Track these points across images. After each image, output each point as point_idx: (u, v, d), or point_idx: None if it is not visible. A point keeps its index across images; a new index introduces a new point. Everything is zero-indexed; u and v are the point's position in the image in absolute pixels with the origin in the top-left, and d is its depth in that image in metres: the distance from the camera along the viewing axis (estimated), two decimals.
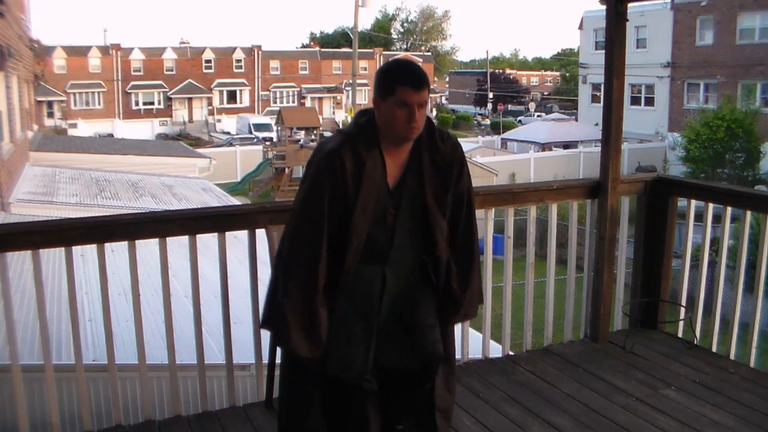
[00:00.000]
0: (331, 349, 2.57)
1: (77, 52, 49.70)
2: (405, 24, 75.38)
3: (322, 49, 60.71)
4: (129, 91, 51.37)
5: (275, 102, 54.22)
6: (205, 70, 53.81)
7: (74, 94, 49.65)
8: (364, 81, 54.56)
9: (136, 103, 51.89)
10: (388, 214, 2.57)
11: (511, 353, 4.26)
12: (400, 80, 2.46)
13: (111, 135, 42.14)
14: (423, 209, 2.60)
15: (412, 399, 2.78)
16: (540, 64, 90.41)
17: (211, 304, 3.80)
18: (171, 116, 52.33)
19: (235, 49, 55.08)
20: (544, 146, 31.70)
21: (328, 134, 50.90)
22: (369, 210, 2.52)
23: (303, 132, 29.49)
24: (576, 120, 37.39)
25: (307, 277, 2.51)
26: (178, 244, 3.62)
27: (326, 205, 2.49)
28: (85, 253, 3.79)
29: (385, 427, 2.78)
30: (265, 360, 3.52)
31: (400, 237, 2.61)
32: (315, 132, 30.06)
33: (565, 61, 74.64)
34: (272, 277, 2.66)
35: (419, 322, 2.69)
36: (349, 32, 47.99)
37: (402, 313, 2.66)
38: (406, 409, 2.80)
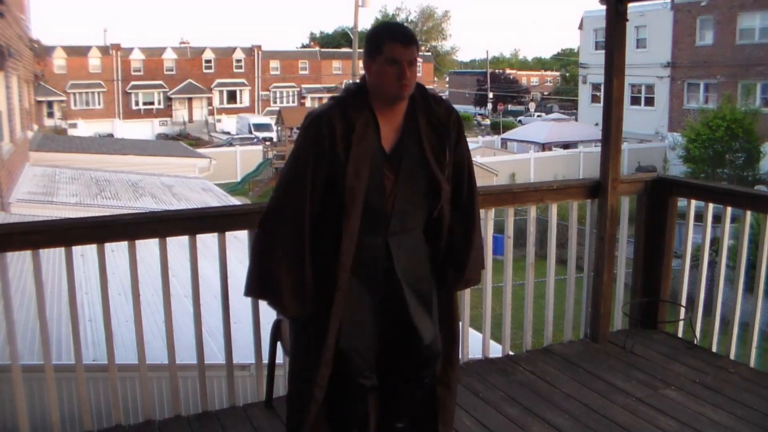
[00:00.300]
0: (343, 322, 2.54)
1: (77, 52, 49.70)
2: (405, 24, 75.43)
3: (322, 49, 60.71)
4: (129, 91, 51.37)
5: (275, 102, 54.21)
6: (205, 70, 53.81)
7: (74, 94, 49.65)
8: None
9: (136, 103, 51.90)
10: (386, 178, 2.53)
11: (511, 353, 4.26)
12: (388, 37, 2.46)
13: (111, 135, 42.13)
14: (425, 171, 2.56)
15: (411, 396, 2.77)
16: (540, 64, 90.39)
17: (211, 304, 3.80)
18: (171, 116, 52.33)
19: (235, 49, 55.08)
20: (544, 146, 31.70)
21: None
22: (363, 174, 2.48)
23: None
24: (576, 120, 37.39)
25: (294, 240, 2.49)
26: (178, 244, 3.62)
27: (312, 168, 2.47)
28: (85, 253, 3.79)
29: (384, 425, 2.78)
30: (265, 360, 3.52)
31: (402, 204, 2.56)
32: None
33: (565, 61, 74.64)
34: (256, 240, 2.65)
35: (425, 297, 2.66)
36: (349, 32, 47.98)
37: (409, 284, 2.61)
38: (406, 406, 2.79)
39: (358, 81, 2.61)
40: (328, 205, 2.51)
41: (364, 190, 2.48)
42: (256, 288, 2.60)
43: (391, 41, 2.44)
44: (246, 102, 55.03)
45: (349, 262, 2.51)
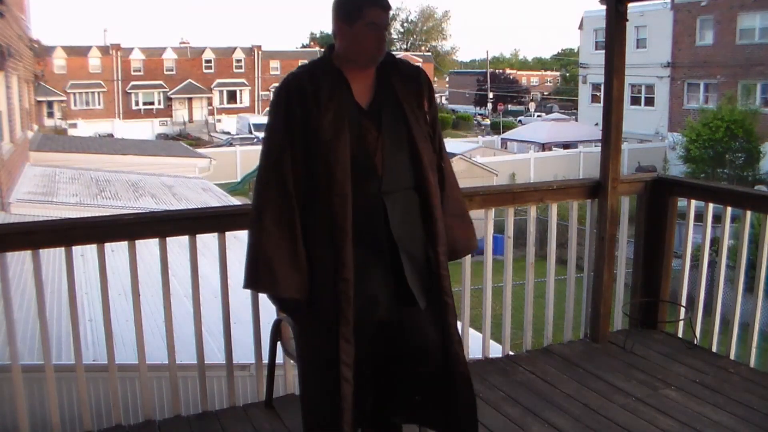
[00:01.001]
0: (356, 292, 2.46)
1: (77, 52, 49.71)
2: (405, 24, 75.39)
3: (322, 49, 60.48)
4: (129, 91, 51.37)
5: None
6: (205, 70, 53.81)
7: (74, 94, 49.65)
8: None
9: (136, 103, 51.90)
10: (368, 132, 2.49)
11: (511, 353, 4.26)
12: (368, 2, 2.46)
13: (111, 135, 42.13)
14: (406, 127, 2.54)
15: (407, 390, 2.68)
16: (540, 64, 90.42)
17: (211, 304, 3.80)
18: (171, 116, 52.33)
19: (235, 49, 55.09)
20: (544, 146, 31.70)
21: None
22: (341, 128, 2.44)
23: None
24: (576, 120, 37.39)
25: (280, 210, 2.45)
26: (178, 244, 3.62)
27: (286, 130, 2.47)
28: (85, 253, 3.79)
29: (380, 419, 2.73)
30: (265, 360, 3.52)
31: (389, 160, 2.51)
32: None
33: (565, 61, 74.65)
34: (249, 223, 2.58)
35: (419, 263, 2.57)
36: None
37: (404, 247, 2.53)
38: (402, 400, 2.70)
39: (324, 51, 2.61)
40: (313, 171, 2.46)
41: (346, 145, 2.44)
42: (250, 273, 2.51)
43: (372, 5, 2.45)
44: (246, 102, 55.03)
45: (347, 224, 2.43)
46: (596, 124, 27.64)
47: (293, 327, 2.79)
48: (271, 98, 2.57)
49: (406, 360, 2.63)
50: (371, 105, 2.53)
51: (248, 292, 3.58)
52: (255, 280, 2.53)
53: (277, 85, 2.57)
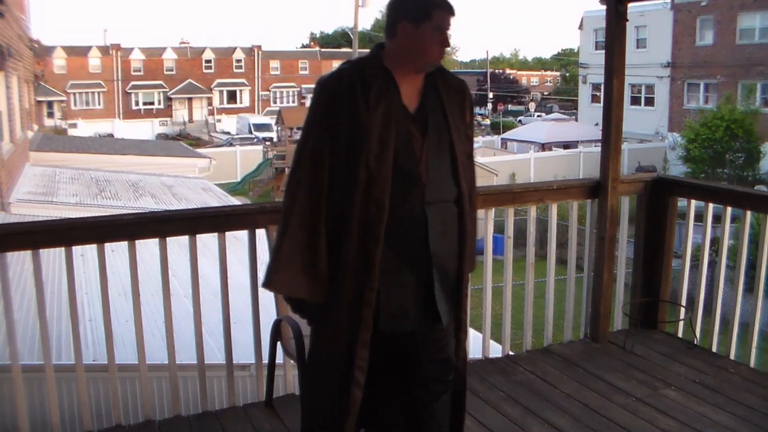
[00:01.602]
0: (381, 301, 2.39)
1: (77, 52, 49.71)
2: None
3: (322, 49, 60.70)
4: (129, 91, 51.38)
5: (275, 102, 54.22)
6: (205, 70, 53.82)
7: (74, 94, 49.65)
8: None
9: (136, 103, 51.91)
10: (414, 139, 2.40)
11: (511, 353, 4.26)
12: (437, 5, 2.39)
13: (111, 135, 42.13)
14: (448, 137, 2.46)
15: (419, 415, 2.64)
16: (540, 64, 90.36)
17: (211, 304, 3.80)
18: (171, 116, 52.34)
19: (235, 49, 55.09)
20: (544, 146, 31.70)
21: None
22: (390, 133, 2.34)
23: None
24: (576, 120, 37.39)
25: (307, 211, 2.36)
26: (178, 244, 3.62)
27: (330, 129, 2.35)
28: (85, 253, 3.79)
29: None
30: (265, 360, 3.52)
31: (433, 169, 2.42)
32: None
33: (565, 61, 74.62)
34: (278, 223, 2.49)
35: (451, 281, 2.52)
36: (349, 32, 47.98)
37: (438, 263, 2.46)
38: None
39: (372, 51, 2.52)
40: (353, 172, 2.34)
41: (391, 148, 2.34)
42: (267, 271, 2.42)
43: (441, 9, 2.39)
44: (246, 102, 55.03)
45: (380, 232, 2.34)
46: (596, 124, 27.64)
47: (310, 329, 2.68)
48: (315, 90, 2.43)
49: (420, 374, 2.58)
50: (418, 110, 2.44)
51: (248, 292, 3.59)
52: (269, 279, 2.45)
53: (323, 76, 2.44)
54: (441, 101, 2.47)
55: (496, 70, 69.59)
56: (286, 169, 27.79)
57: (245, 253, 3.60)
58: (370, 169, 2.32)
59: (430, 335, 2.54)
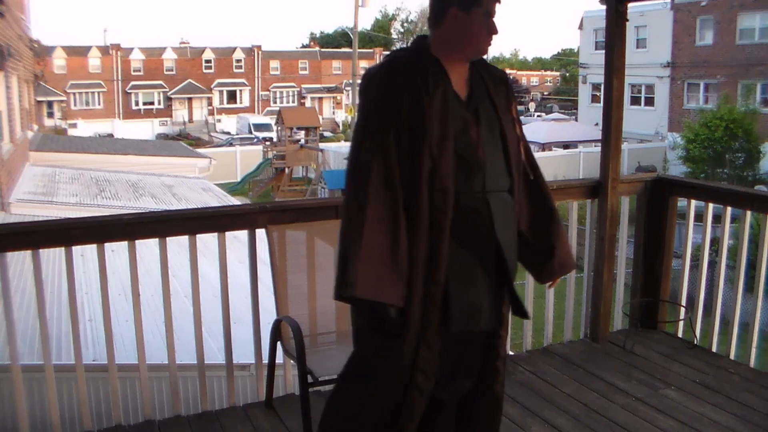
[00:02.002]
0: (452, 299, 2.28)
1: (77, 52, 49.72)
2: (405, 24, 75.32)
3: (322, 49, 60.72)
4: (129, 91, 51.38)
5: (275, 102, 54.22)
6: (205, 70, 53.82)
7: (74, 94, 49.66)
8: None
9: (136, 103, 51.91)
10: (470, 127, 2.33)
11: (511, 353, 4.26)
12: None
13: (111, 135, 42.13)
14: (498, 126, 2.40)
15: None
16: (540, 64, 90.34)
17: (211, 304, 3.80)
18: (171, 116, 52.34)
19: (235, 49, 55.09)
20: (544, 146, 31.67)
21: (328, 134, 49.97)
22: (449, 121, 2.26)
23: (303, 132, 29.49)
24: (576, 120, 37.38)
25: (386, 203, 2.20)
26: (178, 244, 3.62)
27: (396, 115, 2.24)
28: (85, 253, 3.79)
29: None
30: (265, 360, 3.52)
31: (490, 157, 2.35)
32: (315, 132, 30.06)
33: (565, 61, 74.61)
34: (343, 226, 2.26)
35: (512, 274, 2.43)
36: (349, 32, 47.97)
37: (510, 253, 2.39)
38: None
39: (412, 43, 2.44)
40: (416, 163, 2.24)
41: (452, 136, 2.26)
42: (350, 278, 2.16)
43: None
44: (246, 102, 55.04)
45: (446, 222, 2.24)
46: (596, 124, 27.63)
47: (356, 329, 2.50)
48: (369, 83, 2.33)
49: (480, 376, 2.51)
50: (468, 99, 2.37)
51: (248, 291, 3.59)
52: (352, 284, 2.17)
53: (373, 69, 2.35)
54: (488, 90, 2.42)
55: None
56: (286, 170, 27.82)
57: (245, 253, 3.60)
58: (434, 156, 2.23)
59: (497, 333, 2.47)
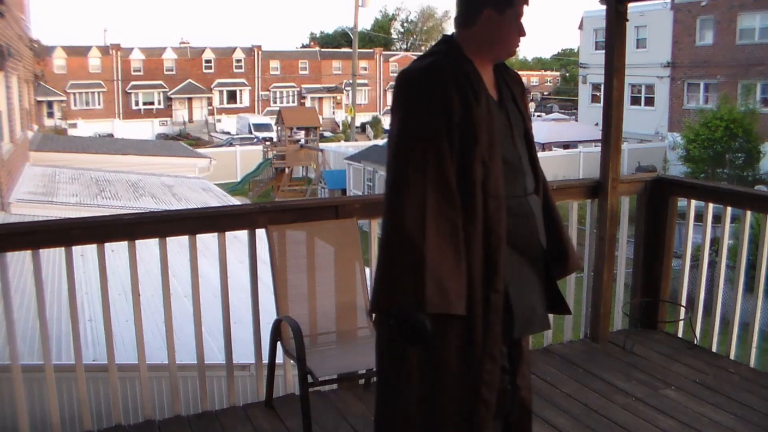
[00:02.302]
0: (513, 305, 2.25)
1: (77, 52, 49.71)
2: (405, 24, 75.36)
3: (322, 49, 60.71)
4: (129, 91, 51.38)
5: (275, 102, 54.23)
6: (205, 70, 53.82)
7: (74, 94, 49.66)
8: (364, 81, 54.65)
9: (136, 103, 51.91)
10: (507, 129, 2.30)
11: None
12: None
13: (111, 135, 42.14)
14: (524, 127, 2.39)
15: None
16: (540, 64, 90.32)
17: (211, 304, 3.80)
18: (171, 116, 52.34)
19: (235, 49, 55.10)
20: (544, 146, 31.63)
21: (328, 134, 49.83)
22: (493, 124, 2.22)
23: (303, 132, 29.51)
24: (576, 120, 37.37)
25: (444, 212, 2.10)
26: (178, 244, 3.63)
27: (446, 119, 2.15)
28: (85, 253, 3.79)
29: None
30: (265, 360, 3.52)
31: (525, 159, 2.34)
32: (315, 132, 30.06)
33: (565, 61, 74.61)
34: (399, 232, 2.11)
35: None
36: (349, 32, 47.97)
37: (550, 254, 2.39)
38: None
39: (440, 44, 2.35)
40: (467, 169, 2.17)
41: (498, 141, 2.22)
42: (411, 290, 2.06)
43: None
44: (246, 102, 55.04)
45: (501, 228, 2.19)
46: (596, 124, 27.63)
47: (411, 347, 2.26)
48: (413, 82, 2.22)
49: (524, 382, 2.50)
50: (500, 101, 2.35)
51: (248, 291, 3.59)
52: (427, 299, 2.06)
53: (411, 70, 2.25)
54: (511, 92, 2.41)
55: None
56: (286, 170, 27.83)
57: (245, 253, 3.60)
58: (485, 163, 2.18)
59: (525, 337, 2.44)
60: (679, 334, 4.42)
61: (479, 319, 2.19)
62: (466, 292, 2.15)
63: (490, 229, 2.19)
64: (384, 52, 60.63)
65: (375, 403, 2.42)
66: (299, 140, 28.99)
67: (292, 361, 3.39)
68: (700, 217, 4.29)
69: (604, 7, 4.09)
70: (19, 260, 4.08)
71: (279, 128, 30.43)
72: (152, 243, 3.53)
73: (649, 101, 32.94)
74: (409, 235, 2.08)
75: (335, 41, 67.99)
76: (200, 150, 26.29)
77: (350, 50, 43.13)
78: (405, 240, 2.08)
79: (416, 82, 2.21)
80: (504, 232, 2.21)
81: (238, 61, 55.15)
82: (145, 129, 48.87)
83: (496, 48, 2.32)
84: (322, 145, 30.26)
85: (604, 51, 4.17)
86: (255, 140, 39.53)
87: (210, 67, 54.12)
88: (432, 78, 2.20)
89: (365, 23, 72.16)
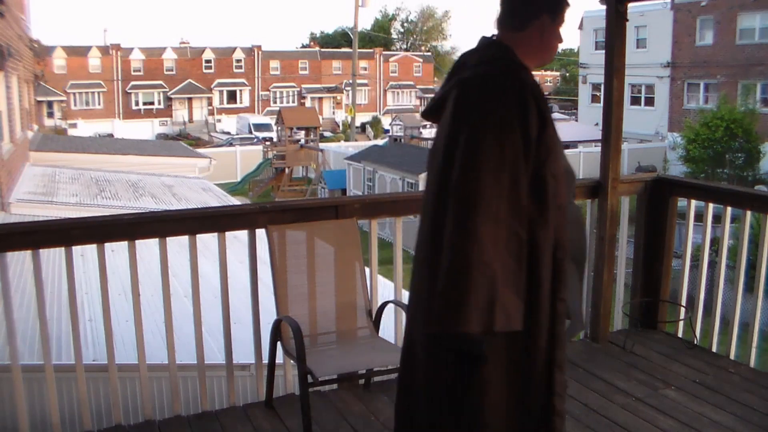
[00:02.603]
0: (572, 314, 2.24)
1: (77, 52, 49.71)
2: (405, 24, 75.34)
3: (322, 49, 60.69)
4: (129, 91, 51.37)
5: (275, 102, 54.21)
6: (205, 70, 53.81)
7: (74, 94, 49.65)
8: (364, 81, 54.63)
9: (136, 103, 51.90)
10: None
11: None
12: (565, 1, 2.26)
13: (111, 135, 42.14)
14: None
15: None
16: None
17: (211, 304, 3.80)
18: (171, 116, 52.33)
19: (235, 49, 55.09)
20: None
21: (328, 134, 49.65)
22: (558, 139, 2.19)
23: (303, 132, 29.51)
24: (576, 120, 37.37)
25: (514, 228, 2.04)
26: (178, 244, 3.63)
27: (528, 133, 2.07)
28: (85, 253, 3.79)
29: None
30: (265, 360, 3.52)
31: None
32: (315, 132, 30.06)
33: (565, 61, 74.60)
34: (469, 247, 2.01)
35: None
36: (349, 32, 47.98)
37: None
38: None
39: (494, 48, 2.23)
40: (542, 179, 2.12)
41: (562, 152, 2.22)
42: (473, 310, 1.98)
43: (566, 5, 2.25)
44: (246, 102, 55.03)
45: (566, 239, 2.16)
46: (596, 124, 27.62)
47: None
48: (494, 90, 2.10)
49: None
50: None
51: (248, 291, 3.59)
52: (490, 319, 2.00)
53: (483, 72, 2.16)
54: None
55: None
56: (286, 170, 27.82)
57: (245, 253, 3.60)
58: (556, 176, 2.14)
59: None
60: (679, 334, 4.42)
61: (545, 331, 2.14)
62: (535, 304, 2.11)
63: (558, 240, 2.14)
64: (384, 52, 60.61)
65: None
66: (299, 140, 28.98)
67: (292, 361, 3.39)
68: (700, 217, 4.29)
69: (604, 7, 4.08)
70: (19, 260, 4.08)
71: (279, 128, 30.43)
72: (152, 243, 3.53)
73: (649, 101, 32.94)
74: (483, 253, 1.99)
75: (335, 41, 67.98)
76: (200, 150, 26.29)
77: (350, 50, 43.14)
78: (479, 258, 1.99)
79: (497, 93, 2.10)
80: (568, 243, 2.18)
81: (238, 61, 55.14)
82: (145, 129, 48.86)
83: (543, 55, 2.26)
84: (322, 145, 30.26)
85: (604, 51, 4.17)
86: (255, 140, 39.52)
87: (210, 67, 54.11)
88: (513, 89, 2.10)
89: (365, 23, 72.18)
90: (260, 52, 55.51)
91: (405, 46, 72.57)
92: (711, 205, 4.23)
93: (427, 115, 2.33)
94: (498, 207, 2.02)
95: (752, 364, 4.05)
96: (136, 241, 3.37)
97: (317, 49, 60.77)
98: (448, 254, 2.02)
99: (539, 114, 2.10)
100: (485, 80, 2.13)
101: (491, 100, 2.09)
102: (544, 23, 2.21)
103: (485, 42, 2.25)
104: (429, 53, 66.97)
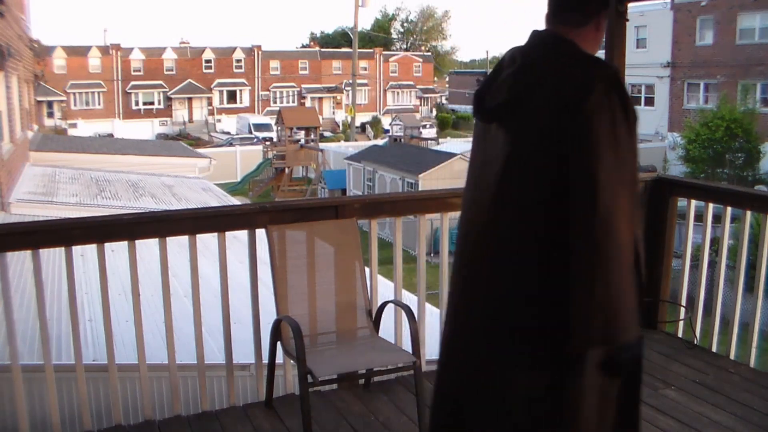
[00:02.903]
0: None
1: (77, 52, 49.73)
2: (405, 24, 75.37)
3: (322, 49, 60.71)
4: (129, 91, 51.39)
5: (275, 102, 54.23)
6: (205, 70, 53.83)
7: (74, 94, 49.66)
8: (364, 81, 54.64)
9: (136, 103, 51.92)
10: None
11: None
12: None
13: (111, 135, 42.15)
14: None
15: None
16: None
17: (211, 304, 3.80)
18: (171, 116, 52.35)
19: (235, 49, 55.11)
20: None
21: (328, 134, 49.68)
22: None
23: (303, 132, 29.53)
24: None
25: (632, 241, 2.04)
26: (178, 244, 3.63)
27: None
28: (85, 253, 3.79)
29: None
30: (265, 360, 3.52)
31: None
32: (315, 132, 30.07)
33: None
34: (598, 255, 1.99)
35: None
36: (349, 32, 48.01)
37: None
38: None
39: (567, 45, 2.15)
40: (637, 187, 2.17)
41: None
42: (617, 322, 2.00)
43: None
44: (246, 102, 55.04)
45: (639, 244, 2.13)
46: None
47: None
48: (623, 90, 2.16)
49: None
50: None
51: (248, 291, 3.59)
52: (635, 325, 2.06)
53: (614, 70, 2.18)
54: None
55: None
56: (286, 169, 27.84)
57: (245, 253, 3.60)
58: (637, 182, 2.20)
59: None
60: (679, 334, 4.42)
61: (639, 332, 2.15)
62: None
63: (636, 244, 2.12)
64: (384, 52, 60.61)
65: None
66: (299, 140, 29.00)
67: (292, 361, 3.39)
68: (700, 217, 4.29)
69: None
70: (19, 260, 4.08)
71: (279, 128, 30.45)
72: (152, 243, 3.53)
73: (649, 101, 32.95)
74: (625, 258, 2.01)
75: (335, 41, 68.00)
76: (200, 150, 26.31)
77: (350, 50, 43.16)
78: (624, 264, 2.00)
79: (625, 92, 2.11)
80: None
81: (238, 61, 55.16)
82: (145, 129, 48.87)
83: (596, 49, 2.23)
84: (322, 145, 30.29)
85: (604, 51, 4.17)
86: (255, 140, 39.54)
87: (210, 67, 54.13)
88: (632, 103, 2.11)
89: (365, 23, 72.20)
90: (260, 52, 55.53)
91: (405, 46, 72.58)
92: (711, 205, 4.22)
93: (491, 115, 2.21)
94: (631, 215, 2.06)
95: (752, 364, 4.05)
96: (136, 241, 3.37)
97: (317, 49, 60.79)
98: (595, 264, 1.99)
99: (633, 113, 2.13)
100: (615, 79, 2.13)
101: (625, 102, 2.17)
102: (601, 20, 2.18)
103: (550, 39, 2.16)
104: (429, 53, 66.98)
